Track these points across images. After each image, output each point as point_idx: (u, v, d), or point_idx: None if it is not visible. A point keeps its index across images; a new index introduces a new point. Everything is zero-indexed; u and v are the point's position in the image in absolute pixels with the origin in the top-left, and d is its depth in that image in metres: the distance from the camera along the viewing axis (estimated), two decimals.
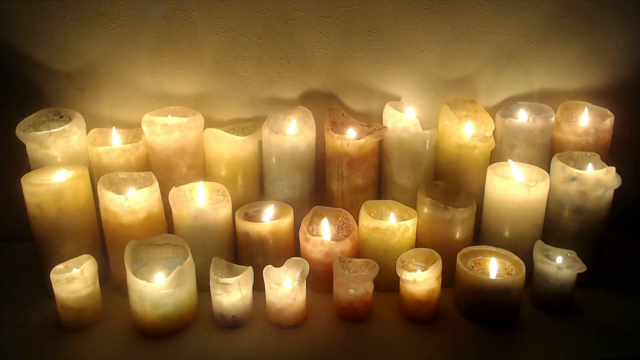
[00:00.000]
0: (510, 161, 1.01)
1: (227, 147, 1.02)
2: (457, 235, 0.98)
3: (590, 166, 0.99)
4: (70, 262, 0.91)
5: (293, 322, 0.91)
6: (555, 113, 1.07)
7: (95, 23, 1.01)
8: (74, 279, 0.88)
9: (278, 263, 0.93)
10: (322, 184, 1.08)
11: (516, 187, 0.96)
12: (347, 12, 1.03)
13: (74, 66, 1.04)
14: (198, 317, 0.93)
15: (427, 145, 1.03)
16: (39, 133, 0.97)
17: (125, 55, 1.04)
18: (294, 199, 1.04)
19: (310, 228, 0.99)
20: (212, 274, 0.89)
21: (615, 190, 0.96)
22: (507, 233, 0.99)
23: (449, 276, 0.95)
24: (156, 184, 0.96)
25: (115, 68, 1.05)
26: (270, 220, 0.98)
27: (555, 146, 1.07)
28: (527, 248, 0.96)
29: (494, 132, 1.05)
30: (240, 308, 0.90)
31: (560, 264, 0.92)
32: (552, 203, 0.99)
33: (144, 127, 1.01)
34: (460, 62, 1.08)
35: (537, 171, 1.00)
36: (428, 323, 0.92)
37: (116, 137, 1.04)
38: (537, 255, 0.94)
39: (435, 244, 0.96)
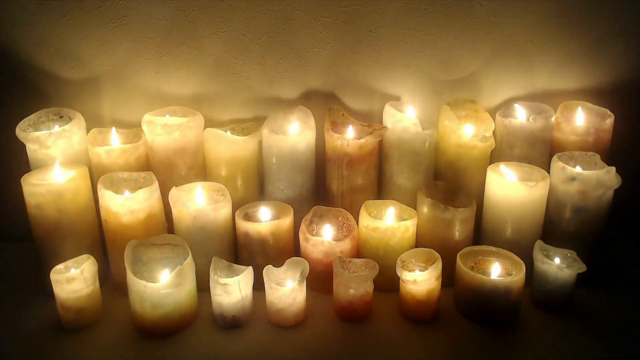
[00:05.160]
0: (502, 166, 1.01)
1: (227, 147, 1.02)
2: (457, 235, 0.98)
3: (590, 166, 0.99)
4: (70, 262, 0.91)
5: (293, 322, 0.91)
6: (555, 113, 1.07)
7: (95, 23, 1.01)
8: (74, 279, 0.88)
9: (278, 263, 0.93)
10: (322, 184, 1.08)
11: (516, 187, 0.96)
12: (347, 12, 1.03)
13: (74, 66, 1.04)
14: (198, 317, 0.93)
15: (427, 145, 1.03)
16: (39, 133, 0.96)
17: (126, 55, 1.04)
18: (294, 199, 1.04)
19: (310, 228, 0.99)
20: (212, 274, 0.89)
21: (615, 190, 0.96)
22: (507, 233, 0.99)
23: (449, 276, 0.95)
24: (156, 184, 0.96)
25: (116, 68, 1.05)
26: (270, 220, 0.99)
27: (555, 146, 1.07)
28: (527, 248, 0.96)
29: (494, 132, 1.05)
30: (240, 308, 0.90)
31: (560, 264, 0.92)
32: (552, 203, 0.99)
33: (144, 127, 1.01)
34: (460, 62, 1.08)
35: (537, 171, 1.00)
36: (428, 323, 0.92)
37: (116, 137, 1.04)
38: (537, 255, 0.94)
39: (435, 244, 0.96)
